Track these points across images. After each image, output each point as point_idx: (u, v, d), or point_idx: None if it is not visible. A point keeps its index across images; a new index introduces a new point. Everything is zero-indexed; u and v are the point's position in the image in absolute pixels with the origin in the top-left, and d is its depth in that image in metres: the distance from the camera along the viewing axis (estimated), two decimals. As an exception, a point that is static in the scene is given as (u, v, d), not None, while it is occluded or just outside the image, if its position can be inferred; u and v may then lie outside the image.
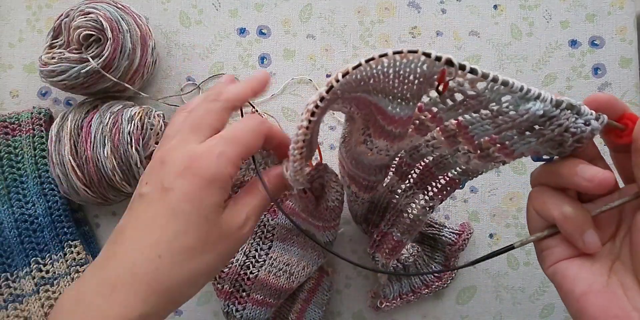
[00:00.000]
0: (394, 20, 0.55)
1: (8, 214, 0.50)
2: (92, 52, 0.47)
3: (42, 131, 0.52)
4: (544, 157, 0.29)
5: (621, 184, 0.30)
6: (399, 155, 0.37)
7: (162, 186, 0.28)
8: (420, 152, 0.34)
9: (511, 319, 0.52)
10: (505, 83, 0.24)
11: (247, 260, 0.48)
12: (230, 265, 0.48)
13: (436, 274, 0.51)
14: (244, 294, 0.48)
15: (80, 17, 0.46)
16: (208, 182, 0.28)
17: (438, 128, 0.31)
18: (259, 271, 0.48)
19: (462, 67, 0.24)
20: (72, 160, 0.46)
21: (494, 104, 0.26)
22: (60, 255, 0.50)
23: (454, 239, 0.48)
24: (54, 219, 0.50)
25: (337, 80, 0.25)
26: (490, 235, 0.53)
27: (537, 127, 0.26)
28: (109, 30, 0.46)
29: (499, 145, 0.28)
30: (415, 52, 0.24)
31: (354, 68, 0.25)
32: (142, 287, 0.27)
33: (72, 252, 0.50)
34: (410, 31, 0.55)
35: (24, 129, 0.52)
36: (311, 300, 0.50)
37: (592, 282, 0.27)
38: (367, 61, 0.24)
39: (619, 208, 0.28)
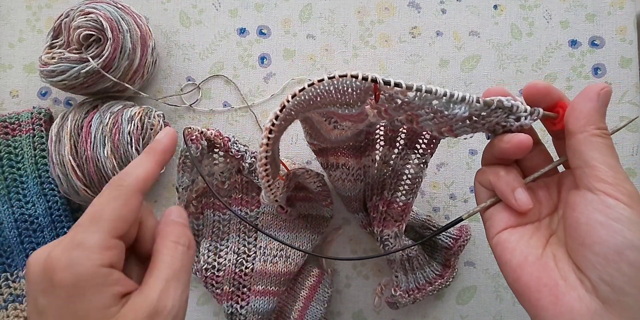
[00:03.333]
0: (394, 20, 0.55)
1: (8, 214, 0.50)
2: (92, 52, 0.47)
3: (42, 131, 0.52)
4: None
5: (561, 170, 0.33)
6: (383, 124, 0.42)
7: (35, 310, 0.24)
8: (395, 123, 0.39)
9: (511, 319, 0.52)
10: (429, 91, 0.29)
11: (238, 258, 0.49)
12: (224, 267, 0.49)
13: (437, 272, 0.50)
14: (245, 289, 0.48)
15: (80, 17, 0.46)
16: (71, 288, 0.23)
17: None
18: (253, 264, 0.49)
19: (387, 83, 0.29)
20: (72, 160, 0.46)
21: (427, 106, 0.30)
22: (60, 255, 0.50)
23: (450, 243, 0.48)
24: (54, 219, 0.50)
25: (288, 101, 0.30)
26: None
27: (474, 118, 0.30)
28: (109, 30, 0.46)
29: (448, 127, 0.32)
30: (345, 75, 0.29)
31: (300, 91, 0.30)
32: None
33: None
34: (410, 31, 0.55)
35: (24, 129, 0.52)
36: (313, 298, 0.50)
37: (528, 254, 0.30)
38: (309, 85, 0.30)
39: (558, 187, 0.32)
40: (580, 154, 0.28)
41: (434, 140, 0.41)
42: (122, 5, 0.50)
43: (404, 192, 0.43)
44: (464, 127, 0.31)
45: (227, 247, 0.49)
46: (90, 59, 0.46)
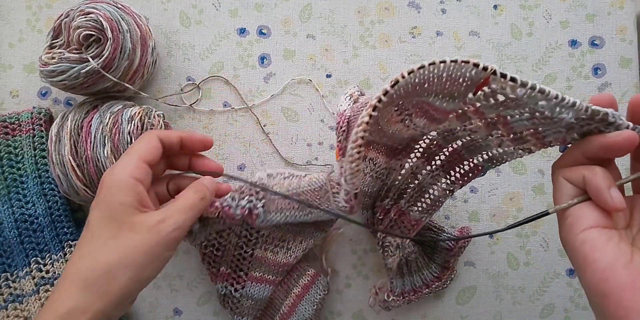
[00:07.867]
0: (394, 20, 0.55)
1: (8, 214, 0.50)
2: (92, 52, 0.46)
3: (42, 131, 0.52)
4: (569, 145, 0.32)
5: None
6: (430, 136, 0.40)
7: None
8: (455, 134, 0.37)
9: (511, 319, 0.52)
10: (542, 91, 0.28)
11: (239, 241, 0.49)
12: (224, 247, 0.49)
13: (435, 274, 0.51)
14: (242, 273, 0.49)
15: (80, 17, 0.46)
16: (108, 188, 0.34)
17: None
18: (253, 250, 0.49)
19: (503, 76, 0.28)
20: (72, 160, 0.46)
21: (531, 106, 0.29)
22: (60, 255, 0.50)
23: (451, 244, 0.48)
24: (54, 219, 0.50)
25: (403, 77, 0.28)
26: (490, 235, 0.53)
27: (574, 121, 0.29)
28: (109, 30, 0.46)
29: (532, 130, 0.31)
30: (467, 62, 0.28)
31: (419, 68, 0.28)
32: (66, 284, 0.32)
33: (72, 252, 0.50)
34: (410, 31, 0.55)
35: (24, 129, 0.52)
36: (304, 297, 0.50)
37: (620, 256, 0.29)
38: (430, 64, 0.28)
39: (631, 209, 0.32)
40: None
41: (470, 174, 0.39)
42: (122, 5, 0.50)
43: (420, 209, 0.42)
44: (557, 128, 0.30)
45: (229, 228, 0.49)
46: (90, 59, 0.46)
